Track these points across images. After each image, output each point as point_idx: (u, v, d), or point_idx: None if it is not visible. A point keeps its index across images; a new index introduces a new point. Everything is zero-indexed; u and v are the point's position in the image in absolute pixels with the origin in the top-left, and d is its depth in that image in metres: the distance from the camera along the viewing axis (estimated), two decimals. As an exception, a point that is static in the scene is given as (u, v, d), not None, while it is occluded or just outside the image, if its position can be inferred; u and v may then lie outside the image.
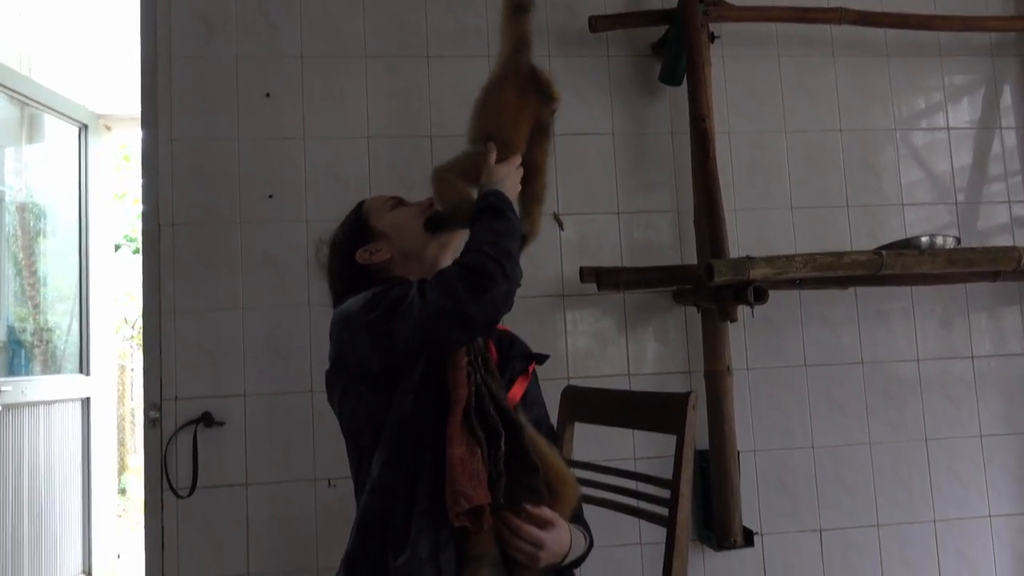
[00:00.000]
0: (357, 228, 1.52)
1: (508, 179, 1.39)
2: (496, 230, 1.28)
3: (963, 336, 2.49)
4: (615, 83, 2.42)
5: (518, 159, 1.43)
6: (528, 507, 1.29)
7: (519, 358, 1.50)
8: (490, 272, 1.21)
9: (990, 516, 2.43)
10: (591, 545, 1.44)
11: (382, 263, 1.48)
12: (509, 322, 2.14)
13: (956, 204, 2.55)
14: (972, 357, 2.49)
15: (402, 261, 1.48)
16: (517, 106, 1.45)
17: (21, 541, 3.03)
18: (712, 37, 2.30)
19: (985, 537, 2.43)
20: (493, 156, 1.41)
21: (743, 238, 2.37)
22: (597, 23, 2.34)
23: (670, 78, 2.35)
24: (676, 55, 2.30)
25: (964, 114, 2.61)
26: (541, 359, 1.52)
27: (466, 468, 1.24)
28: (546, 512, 1.30)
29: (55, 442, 3.27)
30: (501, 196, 1.34)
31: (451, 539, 1.25)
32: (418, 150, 2.28)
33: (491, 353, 1.45)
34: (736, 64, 2.47)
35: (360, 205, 1.57)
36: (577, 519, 1.42)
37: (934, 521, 2.41)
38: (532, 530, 1.27)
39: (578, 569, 1.45)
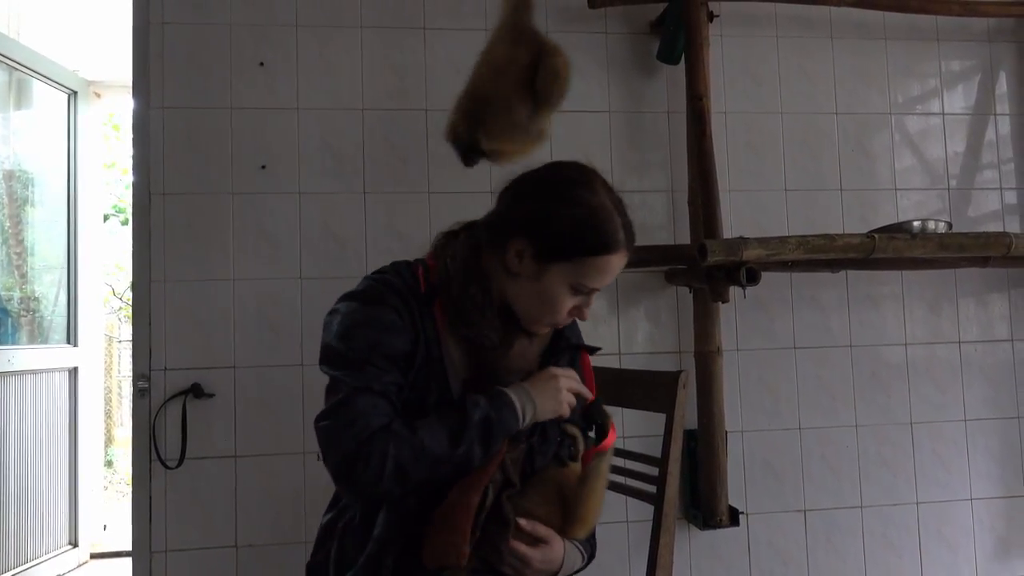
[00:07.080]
0: (544, 239, 1.29)
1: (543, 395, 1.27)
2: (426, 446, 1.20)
3: (951, 321, 2.51)
4: (613, 60, 2.40)
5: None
6: (522, 521, 1.25)
7: (565, 351, 1.41)
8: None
9: (972, 499, 2.46)
10: (591, 559, 1.39)
11: (498, 272, 1.31)
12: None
13: (949, 190, 2.56)
14: (959, 342, 2.50)
15: (508, 289, 1.31)
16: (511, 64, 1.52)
17: (7, 511, 3.02)
18: (711, 16, 2.29)
19: (966, 519, 2.46)
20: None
21: (736, 219, 2.37)
22: (596, -1, 2.32)
23: (668, 56, 2.34)
24: (675, 33, 2.29)
25: (959, 100, 2.61)
26: (592, 350, 1.45)
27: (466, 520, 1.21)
28: (540, 529, 1.26)
29: (42, 412, 3.25)
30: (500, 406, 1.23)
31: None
32: (413, 123, 2.26)
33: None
34: (734, 44, 2.45)
35: (593, 232, 1.32)
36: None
37: (917, 503, 2.43)
38: (519, 546, 1.24)
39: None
